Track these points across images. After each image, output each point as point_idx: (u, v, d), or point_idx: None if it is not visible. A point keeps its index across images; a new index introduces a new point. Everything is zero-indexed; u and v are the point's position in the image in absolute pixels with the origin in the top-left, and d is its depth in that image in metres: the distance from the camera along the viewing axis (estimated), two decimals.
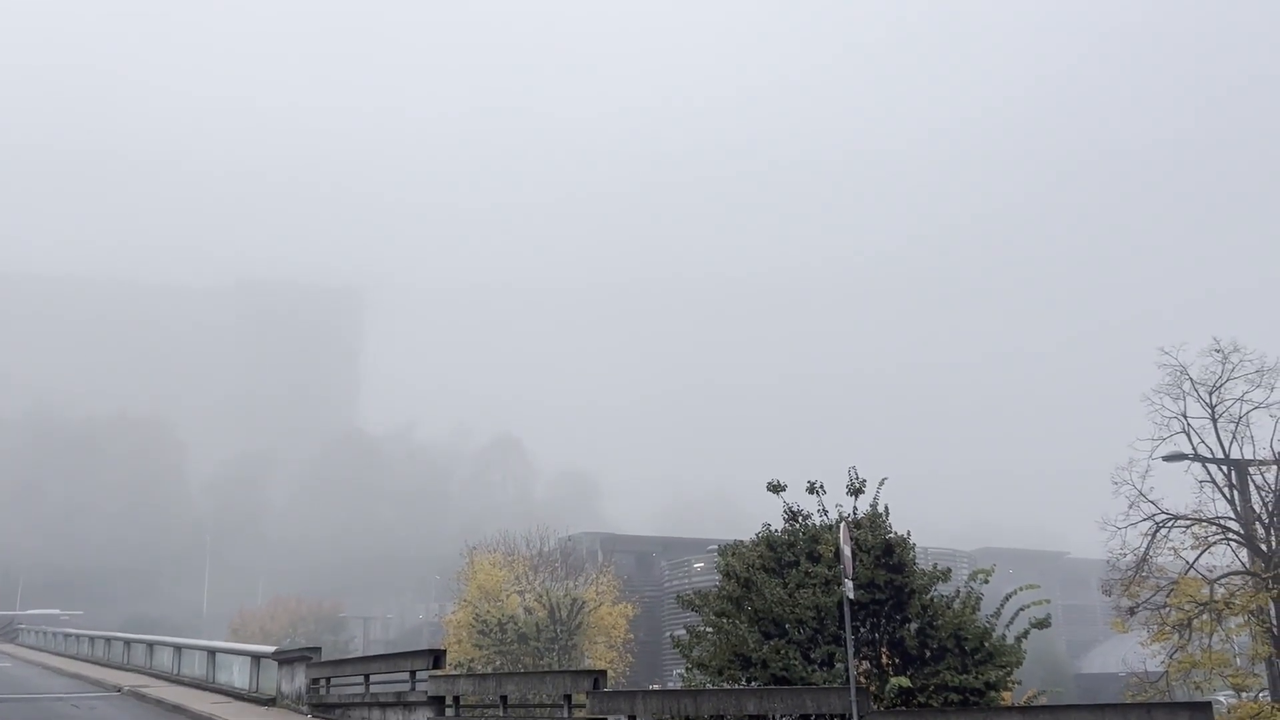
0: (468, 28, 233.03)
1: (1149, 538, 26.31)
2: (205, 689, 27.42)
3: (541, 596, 40.68)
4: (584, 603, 40.89)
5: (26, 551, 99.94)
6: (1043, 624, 17.39)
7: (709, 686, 17.26)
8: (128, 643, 37.96)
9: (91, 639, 43.38)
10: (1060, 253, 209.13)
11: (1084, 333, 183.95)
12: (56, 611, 74.20)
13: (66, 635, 49.92)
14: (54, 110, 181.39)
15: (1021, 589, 18.07)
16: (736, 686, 16.73)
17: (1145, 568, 26.46)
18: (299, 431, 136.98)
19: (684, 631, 19.60)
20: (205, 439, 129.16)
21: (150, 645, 35.27)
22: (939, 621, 16.98)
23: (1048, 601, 18.50)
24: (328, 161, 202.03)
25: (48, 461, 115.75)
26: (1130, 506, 26.11)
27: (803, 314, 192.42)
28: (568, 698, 16.61)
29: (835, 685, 14.71)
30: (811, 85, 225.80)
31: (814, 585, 17.12)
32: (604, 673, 16.83)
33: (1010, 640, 17.25)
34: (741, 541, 19.90)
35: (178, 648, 32.08)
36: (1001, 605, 17.63)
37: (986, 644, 16.86)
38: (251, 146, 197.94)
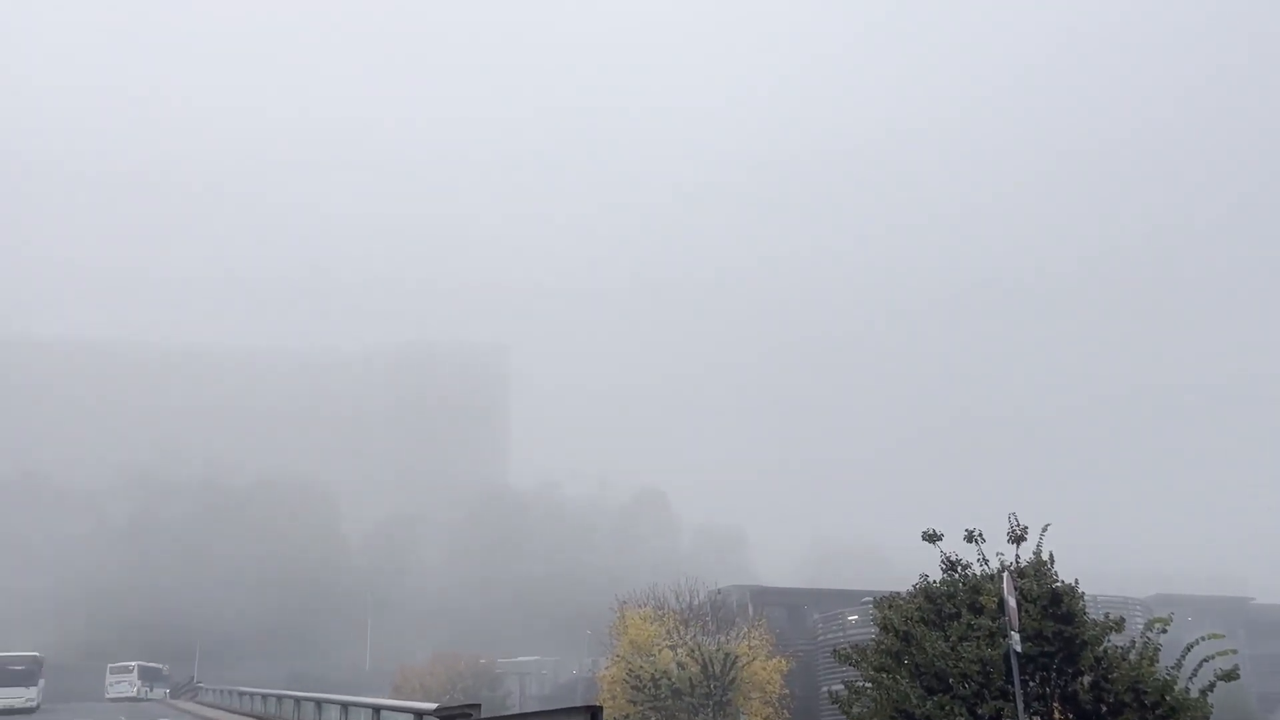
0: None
1: None
2: None
3: (694, 651, 40.38)
4: (737, 657, 40.41)
5: (200, 614, 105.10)
6: (1230, 676, 16.36)
7: None
8: (297, 700, 39.25)
9: (264, 696, 45.13)
10: (1229, 276, 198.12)
11: (1260, 364, 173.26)
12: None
13: (241, 693, 52.09)
14: (216, 190, 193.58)
15: (1204, 638, 17.06)
16: None
17: None
18: (451, 489, 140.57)
19: (842, 687, 19.21)
20: (362, 499, 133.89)
21: (318, 703, 36.37)
22: (1114, 674, 16.20)
23: (1234, 652, 17.45)
24: (471, 218, 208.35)
25: (216, 526, 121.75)
26: None
27: (946, 355, 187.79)
28: None
29: None
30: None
31: (978, 638, 16.55)
32: None
33: (1194, 694, 16.29)
34: (897, 593, 19.45)
35: (344, 705, 32.95)
36: (1182, 656, 16.69)
37: (1168, 698, 15.94)
38: (395, 205, 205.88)
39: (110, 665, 79.35)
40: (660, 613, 44.97)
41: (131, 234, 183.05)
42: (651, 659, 40.69)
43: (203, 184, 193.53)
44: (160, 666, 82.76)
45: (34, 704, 58.61)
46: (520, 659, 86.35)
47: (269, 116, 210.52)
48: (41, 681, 61.30)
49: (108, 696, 75.01)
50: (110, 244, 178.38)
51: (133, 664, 78.91)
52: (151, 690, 77.86)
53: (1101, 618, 17.36)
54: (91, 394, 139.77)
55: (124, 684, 76.89)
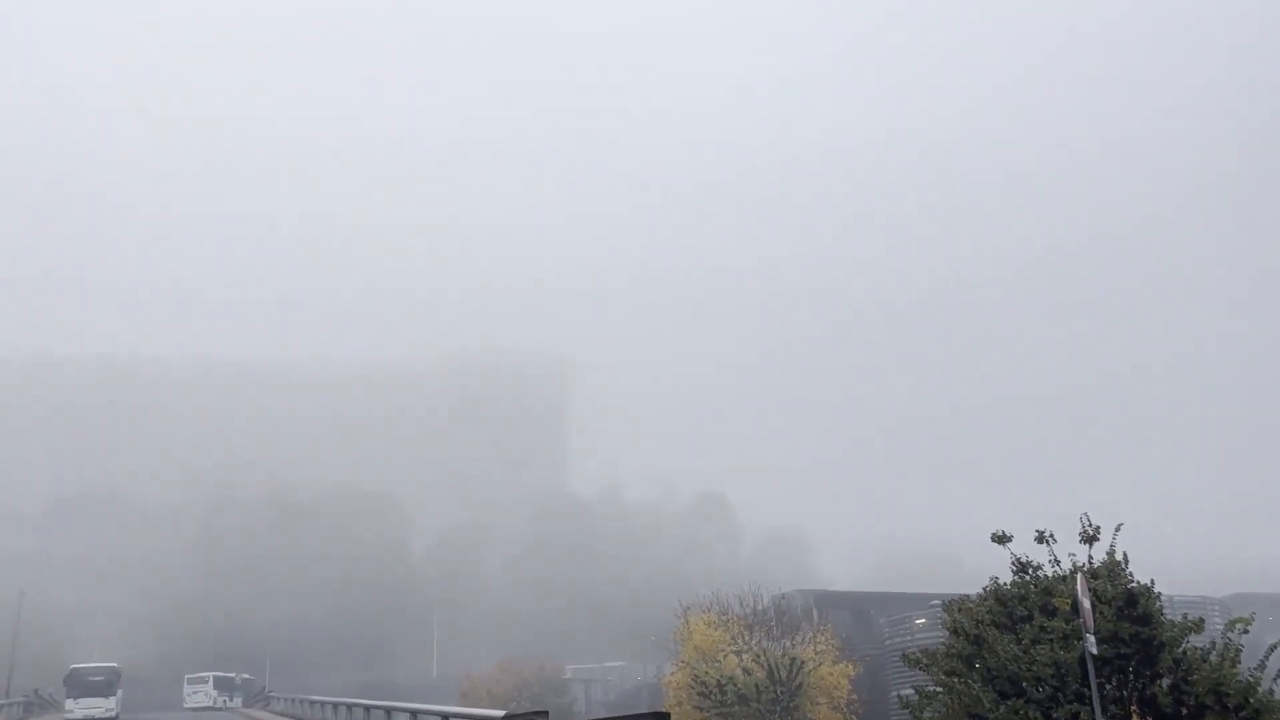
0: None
1: None
2: None
3: (759, 657, 40.17)
4: (803, 662, 40.11)
5: (270, 623, 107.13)
6: None
7: None
8: (367, 709, 39.80)
9: (335, 705, 45.75)
10: None
11: None
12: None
13: (312, 702, 52.86)
14: (270, 204, 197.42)
15: None
16: None
17: None
18: (513, 498, 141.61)
19: (911, 691, 19.02)
20: (426, 508, 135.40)
21: (388, 711, 36.87)
22: (1194, 676, 15.83)
23: None
24: (522, 222, 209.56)
25: (284, 537, 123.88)
26: None
27: (1010, 347, 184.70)
28: None
29: None
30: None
31: (1051, 640, 16.29)
32: None
33: (1279, 696, 15.86)
34: (967, 596, 19.23)
35: (413, 713, 33.35)
36: (1266, 657, 16.24)
37: (1251, 700, 15.53)
38: (446, 211, 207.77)
39: (187, 676, 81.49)
40: (724, 618, 44.81)
41: (194, 253, 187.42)
42: (716, 665, 40.56)
43: (258, 200, 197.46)
44: (232, 675, 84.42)
45: (113, 713, 60.11)
46: (585, 665, 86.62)
47: (312, 129, 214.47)
48: (120, 691, 62.82)
49: (185, 706, 77.00)
50: (175, 263, 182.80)
51: (208, 674, 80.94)
52: (231, 699, 79.70)
53: (1179, 618, 17.00)
54: (162, 411, 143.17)
55: (200, 694, 79.12)
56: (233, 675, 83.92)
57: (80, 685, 60.42)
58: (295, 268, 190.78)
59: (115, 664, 65.71)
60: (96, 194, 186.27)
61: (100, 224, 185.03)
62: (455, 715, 29.63)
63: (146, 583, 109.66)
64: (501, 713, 25.90)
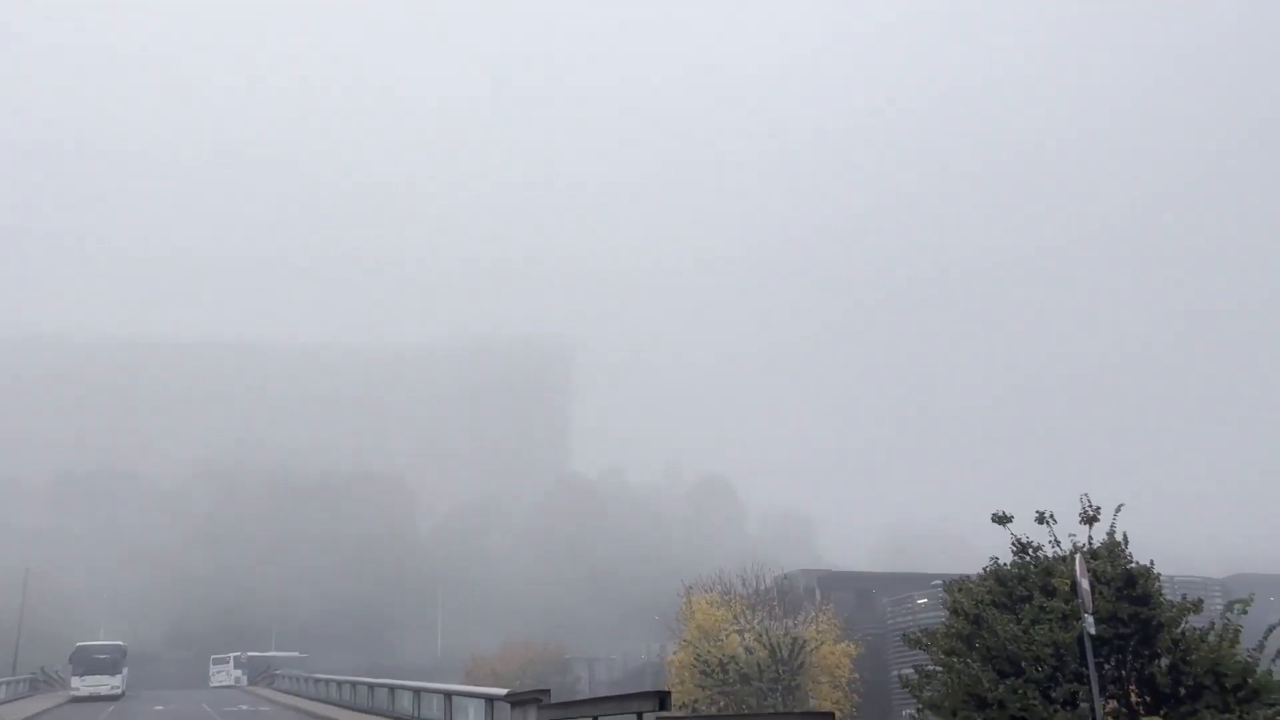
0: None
1: None
2: None
3: (761, 636, 40.31)
4: (805, 641, 40.25)
5: (276, 601, 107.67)
6: None
7: None
8: (371, 687, 40.08)
9: (339, 683, 46.06)
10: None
11: None
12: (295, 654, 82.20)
13: (316, 680, 53.20)
14: (285, 183, 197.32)
15: None
16: None
17: None
18: (518, 479, 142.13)
19: (912, 670, 19.07)
20: (431, 489, 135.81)
21: (392, 689, 37.10)
22: (1193, 657, 15.85)
23: None
24: (526, 216, 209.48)
25: (292, 517, 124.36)
26: None
27: (1015, 326, 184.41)
28: None
29: None
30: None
31: (1050, 620, 16.31)
32: (832, 715, 16.54)
33: (1278, 676, 15.86)
34: (968, 576, 19.26)
35: (417, 691, 33.56)
36: (1265, 638, 16.26)
37: (1250, 680, 15.55)
38: (458, 209, 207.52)
39: (213, 656, 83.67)
40: (727, 597, 44.94)
41: (205, 233, 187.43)
42: (719, 644, 40.70)
43: (267, 183, 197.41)
44: (239, 654, 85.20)
45: (119, 691, 60.50)
46: (589, 645, 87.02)
47: (328, 100, 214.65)
48: (125, 669, 63.22)
49: (211, 685, 78.75)
50: (184, 240, 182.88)
51: (229, 655, 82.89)
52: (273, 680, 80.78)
53: (1178, 599, 17.01)
54: (171, 389, 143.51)
55: (223, 673, 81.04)
56: (239, 654, 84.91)
57: (86, 663, 60.77)
58: (303, 250, 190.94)
59: (121, 642, 66.15)
60: (107, 172, 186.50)
61: (113, 202, 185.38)
62: (458, 693, 29.76)
63: (154, 561, 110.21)
64: (504, 691, 26.02)
